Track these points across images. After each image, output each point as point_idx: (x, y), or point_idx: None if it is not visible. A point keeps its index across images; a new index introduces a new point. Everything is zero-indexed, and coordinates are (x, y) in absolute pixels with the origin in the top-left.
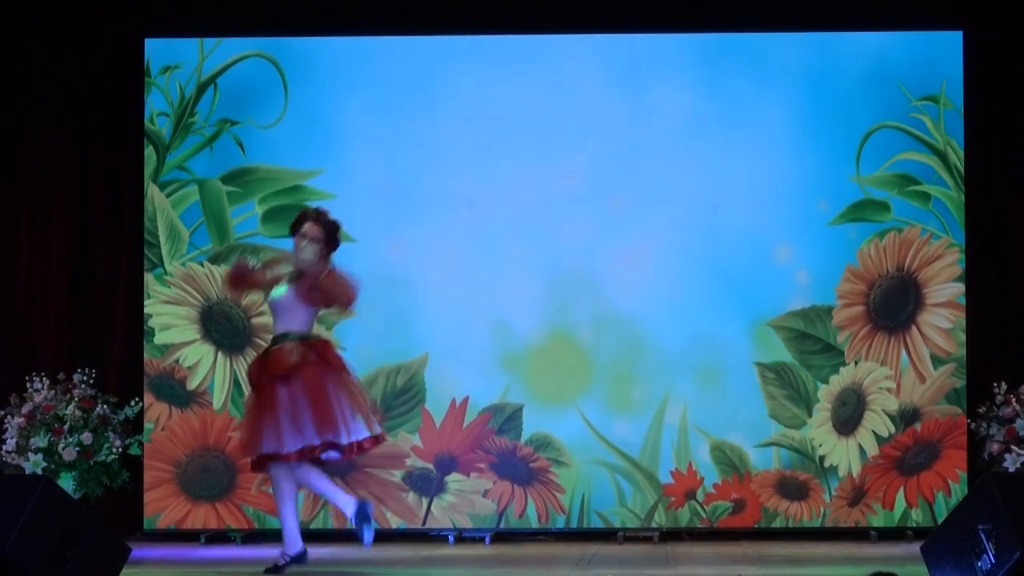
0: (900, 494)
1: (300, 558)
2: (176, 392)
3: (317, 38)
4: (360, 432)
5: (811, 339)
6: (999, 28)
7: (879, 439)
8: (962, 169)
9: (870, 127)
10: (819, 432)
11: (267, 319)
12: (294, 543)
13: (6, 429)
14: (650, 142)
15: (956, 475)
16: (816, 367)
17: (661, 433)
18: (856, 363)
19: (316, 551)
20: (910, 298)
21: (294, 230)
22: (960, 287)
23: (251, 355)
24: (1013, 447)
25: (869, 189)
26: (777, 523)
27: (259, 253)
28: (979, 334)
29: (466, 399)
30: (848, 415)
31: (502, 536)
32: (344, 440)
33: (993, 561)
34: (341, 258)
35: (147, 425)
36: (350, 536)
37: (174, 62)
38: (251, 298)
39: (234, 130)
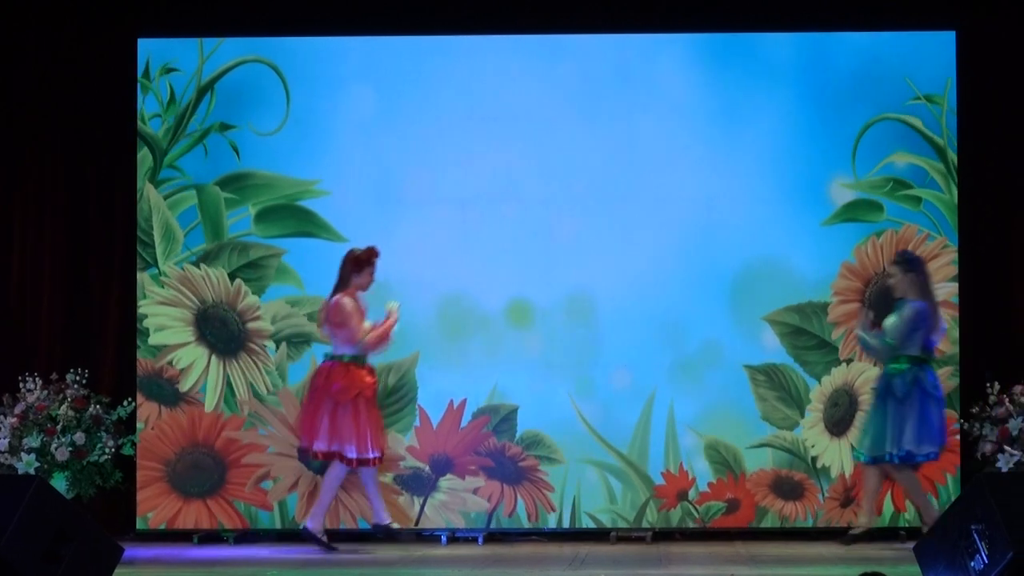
0: (888, 499)
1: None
2: (165, 391)
3: (309, 38)
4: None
5: (806, 335)
6: (991, 28)
7: None
8: (956, 169)
9: (863, 127)
10: (811, 433)
11: (262, 324)
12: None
13: None
14: (644, 141)
15: (943, 477)
16: (811, 363)
17: (653, 433)
18: (848, 363)
19: (308, 552)
20: None
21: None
22: (955, 287)
23: (245, 359)
24: (1006, 447)
25: (863, 189)
26: (770, 523)
27: (249, 251)
28: (972, 334)
29: (463, 401)
30: (840, 416)
31: (495, 536)
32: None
33: (986, 561)
34: (332, 257)
35: (138, 424)
36: (345, 537)
37: (172, 63)
38: (246, 302)
39: (231, 135)
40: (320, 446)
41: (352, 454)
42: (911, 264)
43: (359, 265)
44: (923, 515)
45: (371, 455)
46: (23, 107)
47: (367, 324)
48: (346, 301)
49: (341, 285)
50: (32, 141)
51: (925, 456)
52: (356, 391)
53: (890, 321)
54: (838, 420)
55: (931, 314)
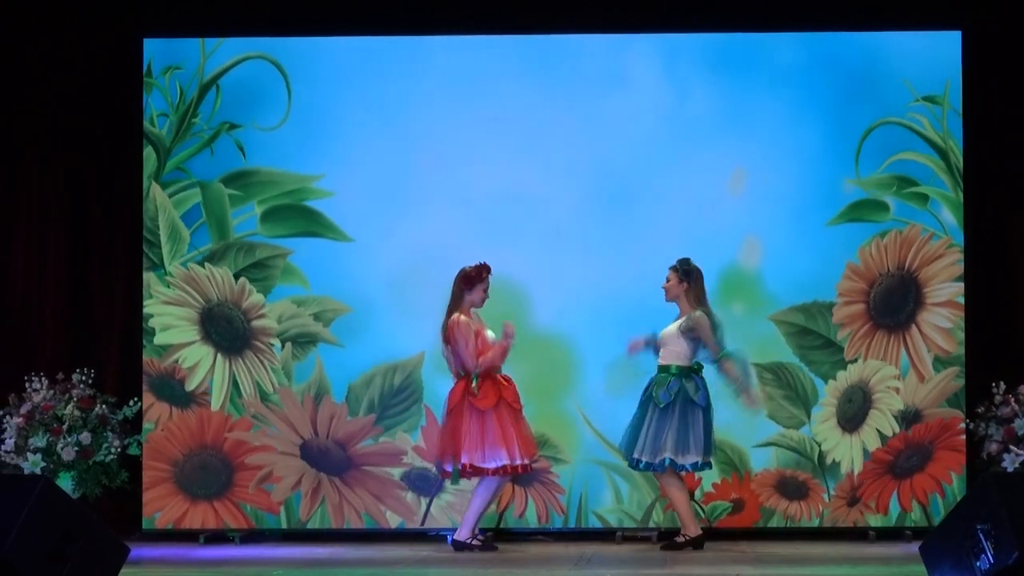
0: (894, 498)
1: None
2: (176, 392)
3: (314, 38)
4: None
5: (812, 335)
6: (997, 28)
7: (883, 438)
8: (961, 169)
9: (869, 127)
10: (823, 428)
11: (267, 322)
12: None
13: (5, 429)
14: (647, 141)
15: (949, 477)
16: (816, 363)
17: None
18: (863, 360)
19: (313, 551)
20: (910, 297)
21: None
22: (961, 287)
23: (250, 357)
24: (1011, 447)
25: (868, 189)
26: (775, 523)
27: (256, 251)
28: (977, 334)
29: None
30: (853, 412)
31: (501, 536)
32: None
33: (992, 561)
34: (337, 257)
35: (146, 425)
36: (346, 536)
37: (175, 63)
38: (251, 300)
39: (235, 132)
40: (466, 459)
41: (496, 463)
42: (687, 275)
43: (470, 283)
44: (684, 527)
45: (516, 462)
46: (23, 107)
47: (489, 335)
48: (461, 321)
49: (454, 304)
50: (33, 141)
51: (692, 466)
52: (496, 399)
53: (684, 331)
54: (851, 416)
55: (708, 323)
